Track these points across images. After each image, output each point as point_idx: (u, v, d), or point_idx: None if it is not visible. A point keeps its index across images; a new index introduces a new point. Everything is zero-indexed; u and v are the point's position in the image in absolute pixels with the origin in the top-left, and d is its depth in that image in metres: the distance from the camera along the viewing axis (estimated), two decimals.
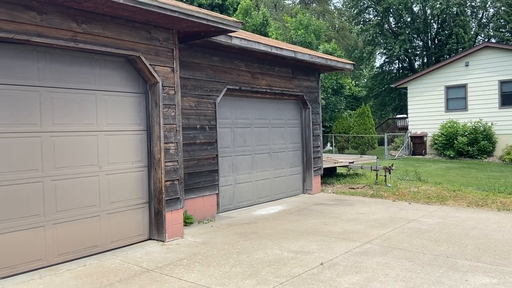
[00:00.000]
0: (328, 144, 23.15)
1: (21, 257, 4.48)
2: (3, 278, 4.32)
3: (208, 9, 22.15)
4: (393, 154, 20.46)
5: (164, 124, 5.69)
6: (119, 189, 5.46)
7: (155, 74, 5.55)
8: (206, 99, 7.15)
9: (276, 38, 22.87)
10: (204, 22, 5.39)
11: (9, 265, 4.39)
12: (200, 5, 21.56)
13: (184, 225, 6.45)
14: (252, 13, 23.75)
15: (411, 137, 20.27)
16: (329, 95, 23.18)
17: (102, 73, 5.28)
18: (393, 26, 33.08)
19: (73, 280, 4.32)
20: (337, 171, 12.63)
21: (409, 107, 21.09)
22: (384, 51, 34.20)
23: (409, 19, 32.36)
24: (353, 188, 10.28)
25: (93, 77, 5.19)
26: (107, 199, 5.32)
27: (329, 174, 11.90)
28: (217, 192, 7.42)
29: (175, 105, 5.85)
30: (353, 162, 12.02)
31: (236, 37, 6.80)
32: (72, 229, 4.94)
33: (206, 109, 7.17)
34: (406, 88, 21.35)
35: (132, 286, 4.14)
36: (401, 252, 5.10)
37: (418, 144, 20.01)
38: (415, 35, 32.36)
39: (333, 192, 9.91)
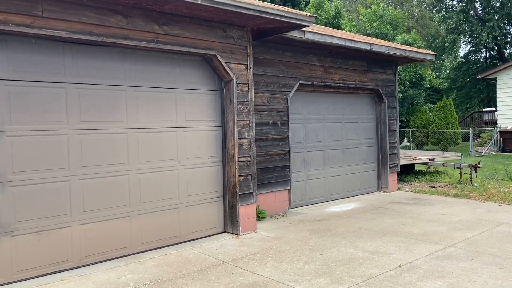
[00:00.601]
0: (405, 140, 22.08)
1: (109, 244, 4.87)
2: (93, 263, 4.73)
3: (280, 4, 22.14)
4: (479, 150, 18.97)
5: (238, 120, 5.81)
6: (196, 183, 5.69)
7: (229, 72, 5.69)
8: (278, 95, 7.18)
9: (350, 31, 22.24)
10: (278, 18, 5.39)
11: (99, 252, 4.79)
12: (272, 1, 21.61)
13: (256, 219, 6.56)
14: (325, 6, 23.31)
15: (501, 132, 18.62)
16: (406, 88, 22.05)
17: (181, 72, 5.53)
18: (480, 12, 30.51)
19: (155, 268, 4.60)
20: (416, 168, 12.01)
21: (498, 99, 19.39)
22: (469, 40, 31.73)
23: (498, 4, 29.64)
24: (434, 187, 9.70)
25: (173, 76, 5.45)
26: (185, 192, 5.58)
27: (407, 172, 11.35)
28: (289, 187, 7.43)
29: (248, 101, 5.95)
30: (433, 159, 11.33)
31: (309, 31, 6.72)
32: (154, 219, 5.26)
33: (278, 105, 7.19)
34: (495, 79, 19.63)
35: (209, 277, 4.30)
36: (490, 258, 4.72)
37: (508, 139, 18.34)
38: (505, 21, 29.57)
39: (411, 191, 9.44)
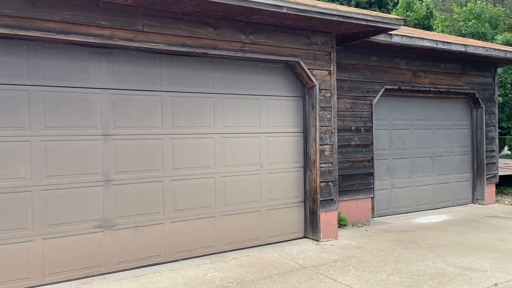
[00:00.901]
0: (506, 148, 20.10)
1: (196, 242, 5.16)
2: (182, 259, 5.05)
3: (366, 7, 21.54)
4: None
5: (320, 126, 5.81)
6: (277, 188, 5.80)
7: (312, 78, 5.72)
8: (362, 100, 7.02)
9: (442, 31, 20.90)
10: (363, 23, 5.31)
11: (187, 249, 5.10)
12: (357, 4, 21.12)
13: (337, 227, 6.47)
14: (415, 6, 22.20)
15: None
16: (508, 92, 20.09)
17: (265, 79, 5.69)
18: None
19: (238, 268, 4.78)
20: None
21: None
22: None
23: None
24: None
25: (257, 83, 5.63)
26: (267, 196, 5.71)
27: (506, 183, 10.34)
28: (372, 195, 7.21)
29: (331, 107, 5.92)
30: None
31: (396, 34, 6.50)
32: (237, 221, 5.46)
33: (362, 111, 7.04)
34: None
35: (290, 280, 4.36)
36: None
37: None
38: None
39: (511, 204, 8.58)
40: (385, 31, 5.80)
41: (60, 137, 4.37)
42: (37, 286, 4.23)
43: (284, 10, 4.69)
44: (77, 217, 4.45)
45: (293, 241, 5.88)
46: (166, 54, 4.90)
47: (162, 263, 4.91)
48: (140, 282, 4.35)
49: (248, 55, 5.22)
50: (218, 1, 4.32)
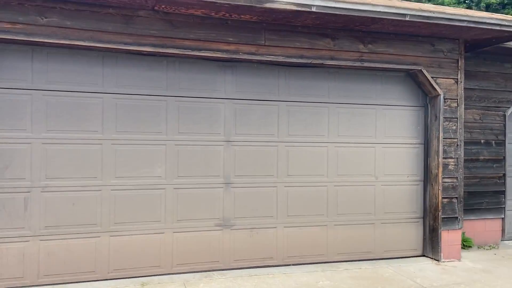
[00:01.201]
0: None
1: (307, 249, 5.25)
2: (294, 264, 5.18)
3: (498, 9, 19.44)
4: None
5: (443, 138, 5.45)
6: (393, 201, 5.59)
7: (436, 87, 5.41)
8: (493, 111, 6.40)
9: None
10: (497, 28, 4.87)
11: (299, 255, 5.22)
12: (487, 6, 19.20)
13: (461, 247, 5.96)
14: None
15: None
16: None
17: (383, 88, 5.56)
18: None
19: (350, 279, 4.73)
20: None
21: None
22: None
23: None
24: None
25: (374, 92, 5.53)
26: (381, 209, 5.54)
27: None
28: (503, 216, 6.50)
29: (456, 118, 5.52)
30: None
31: None
32: (349, 232, 5.41)
33: (493, 122, 6.40)
34: None
35: None
36: None
37: None
38: None
39: None
40: None
41: (189, 142, 4.87)
42: (166, 274, 4.75)
43: (407, 18, 4.56)
44: (201, 215, 4.89)
45: (410, 258, 5.59)
46: (285, 65, 5.12)
47: (275, 266, 5.10)
48: (255, 282, 4.59)
49: (366, 64, 5.17)
50: (338, 12, 4.39)
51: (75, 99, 4.47)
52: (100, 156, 4.54)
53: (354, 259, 5.42)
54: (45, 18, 4.09)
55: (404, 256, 5.62)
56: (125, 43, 4.34)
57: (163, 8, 4.31)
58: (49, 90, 4.38)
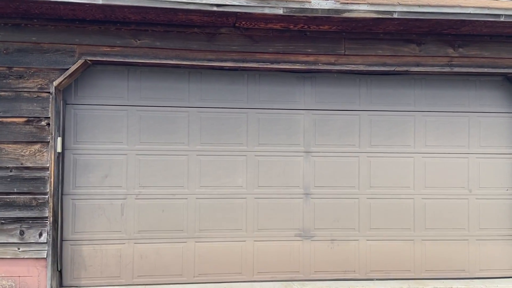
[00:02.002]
0: None
1: (392, 264, 5.02)
2: (377, 279, 4.99)
3: None
4: None
5: None
6: (490, 216, 5.12)
7: None
8: None
9: None
10: None
11: (383, 269, 5.02)
12: None
13: None
14: None
15: None
16: None
17: (476, 94, 5.13)
18: None
19: None
20: None
21: None
22: None
23: None
24: None
25: (467, 99, 5.13)
26: (476, 224, 5.11)
27: None
28: None
29: None
30: None
31: None
32: (439, 248, 5.06)
33: None
34: None
35: None
36: None
37: None
38: None
39: None
40: None
41: (269, 153, 4.96)
42: (247, 281, 4.88)
43: (502, 19, 4.18)
44: (281, 224, 4.95)
45: (509, 279, 5.07)
46: (366, 74, 4.99)
47: (356, 280, 4.96)
48: None
49: (456, 69, 4.83)
50: (423, 17, 4.18)
51: (164, 113, 4.82)
52: (186, 166, 4.84)
53: (445, 277, 5.05)
54: (139, 40, 4.49)
55: (504, 276, 5.10)
56: (209, 60, 4.59)
57: (243, 24, 4.47)
58: (142, 106, 4.79)
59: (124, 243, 4.71)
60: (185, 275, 4.79)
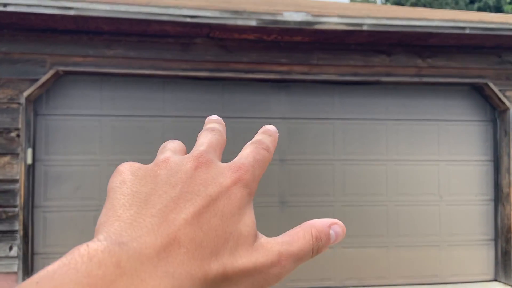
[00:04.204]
0: None
1: (367, 271, 5.09)
2: (352, 287, 5.04)
3: None
4: None
5: None
6: (460, 221, 5.25)
7: (504, 100, 5.04)
8: None
9: None
10: None
11: (358, 277, 5.08)
12: None
13: None
14: None
15: None
16: None
17: (445, 103, 5.29)
18: None
19: None
20: None
21: None
22: None
23: None
24: None
25: (436, 107, 5.28)
26: (447, 230, 5.23)
27: None
28: None
29: None
30: None
31: None
32: (412, 254, 5.16)
33: None
34: None
35: None
36: None
37: None
38: None
39: None
40: None
41: None
42: None
43: (467, 31, 4.35)
44: None
45: (480, 283, 5.20)
46: (339, 83, 5.08)
47: (333, 287, 5.01)
48: None
49: (425, 79, 4.98)
50: (391, 29, 4.30)
51: (139, 123, 4.79)
52: None
53: (418, 282, 5.15)
54: (112, 50, 4.47)
55: (474, 280, 5.23)
56: (183, 69, 4.60)
57: (217, 34, 4.51)
58: (115, 116, 4.75)
59: None
60: None
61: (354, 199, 5.14)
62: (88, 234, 4.61)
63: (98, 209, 4.65)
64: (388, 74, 4.93)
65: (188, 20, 4.07)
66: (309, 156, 5.10)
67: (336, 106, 5.16)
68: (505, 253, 5.12)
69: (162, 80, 4.83)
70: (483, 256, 5.27)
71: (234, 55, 4.68)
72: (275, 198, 5.01)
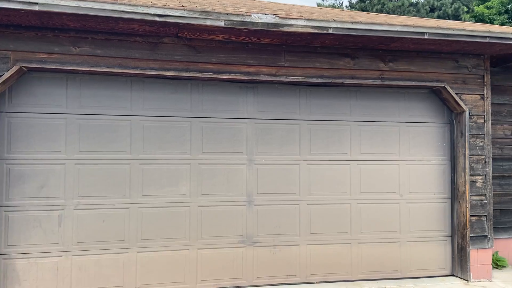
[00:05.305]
0: None
1: (331, 267, 5.25)
2: (317, 282, 5.19)
3: None
4: None
5: (470, 155, 5.33)
6: (419, 219, 5.50)
7: (461, 103, 5.32)
8: None
9: None
10: None
11: (322, 273, 5.23)
12: None
13: (493, 267, 5.76)
14: None
15: None
16: None
17: (406, 106, 5.53)
18: None
19: None
20: None
21: None
22: None
23: None
24: None
25: (397, 109, 5.51)
26: (407, 227, 5.47)
27: None
28: None
29: (484, 134, 5.39)
30: None
31: None
32: (374, 250, 5.36)
33: None
34: None
35: None
36: None
37: None
38: None
39: None
40: None
41: (213, 161, 5.03)
42: None
43: (426, 36, 4.56)
44: (224, 232, 5.02)
45: (438, 278, 5.46)
46: (305, 85, 5.21)
47: (298, 284, 5.13)
48: None
49: (387, 82, 5.18)
50: (355, 33, 4.46)
51: (106, 122, 4.75)
52: (128, 175, 4.79)
53: (379, 278, 5.35)
54: (78, 47, 4.42)
55: (432, 275, 5.49)
56: (151, 69, 4.60)
57: (186, 34, 4.54)
58: (82, 114, 4.69)
59: (61, 256, 4.57)
60: (126, 286, 4.72)
61: (319, 198, 5.29)
62: (51, 234, 4.54)
63: (63, 209, 4.59)
64: (352, 77, 5.10)
65: (157, 19, 4.08)
66: (276, 156, 5.21)
67: (302, 107, 5.29)
68: (461, 249, 5.41)
69: (129, 79, 4.81)
70: (440, 252, 5.54)
71: (202, 56, 4.72)
72: (243, 197, 5.09)
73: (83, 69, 4.46)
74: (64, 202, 4.60)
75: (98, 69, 4.49)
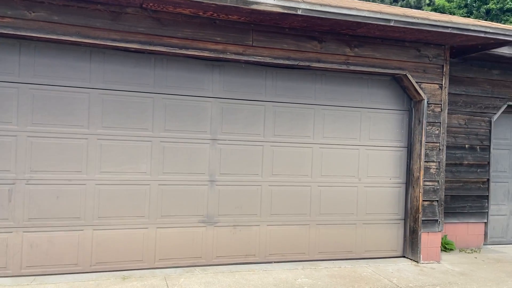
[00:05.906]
0: None
1: (289, 247, 5.34)
2: (275, 262, 5.27)
3: (498, 14, 19.51)
4: None
5: (426, 142, 5.54)
6: (375, 202, 5.69)
7: (420, 91, 5.49)
8: (479, 117, 6.49)
9: None
10: (482, 35, 4.95)
11: (280, 253, 5.31)
12: (487, 11, 19.25)
13: (442, 250, 6.09)
14: None
15: None
16: None
17: (369, 92, 5.63)
18: None
19: (328, 278, 4.83)
20: None
21: None
22: None
23: None
24: None
25: (360, 95, 5.61)
26: (363, 210, 5.64)
27: None
28: (486, 221, 6.60)
29: (440, 123, 5.61)
30: None
31: None
32: (331, 231, 5.50)
33: (479, 128, 6.50)
34: None
35: None
36: None
37: None
38: None
39: None
40: (508, 43, 5.31)
41: (175, 139, 4.92)
42: (148, 268, 4.82)
43: (392, 24, 4.63)
44: (185, 211, 4.96)
45: (390, 259, 5.70)
46: (272, 66, 5.18)
47: (256, 263, 5.19)
48: (235, 277, 4.68)
49: (352, 67, 5.24)
50: (324, 16, 4.45)
51: (62, 93, 4.52)
52: (85, 150, 4.60)
53: (335, 258, 5.51)
54: (33, 12, 4.13)
55: (384, 256, 5.72)
56: (113, 40, 4.39)
57: (150, 6, 4.36)
58: (36, 84, 4.42)
59: (11, 232, 4.35)
60: (80, 264, 4.58)
61: (281, 180, 5.33)
62: (1, 209, 4.30)
63: (14, 183, 4.35)
64: (318, 60, 5.11)
65: None
66: (240, 136, 5.17)
67: (268, 88, 5.27)
68: (413, 232, 5.66)
69: (89, 49, 4.58)
70: (393, 234, 5.77)
71: (168, 29, 4.56)
72: (205, 177, 5.04)
73: (39, 36, 4.19)
74: (15, 176, 4.36)
75: (55, 37, 4.23)
